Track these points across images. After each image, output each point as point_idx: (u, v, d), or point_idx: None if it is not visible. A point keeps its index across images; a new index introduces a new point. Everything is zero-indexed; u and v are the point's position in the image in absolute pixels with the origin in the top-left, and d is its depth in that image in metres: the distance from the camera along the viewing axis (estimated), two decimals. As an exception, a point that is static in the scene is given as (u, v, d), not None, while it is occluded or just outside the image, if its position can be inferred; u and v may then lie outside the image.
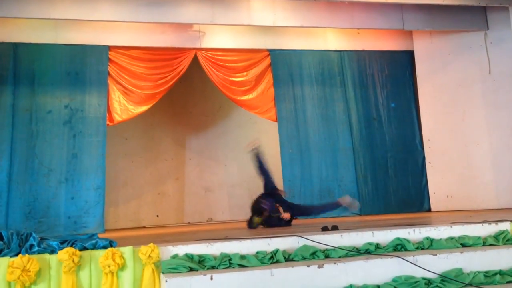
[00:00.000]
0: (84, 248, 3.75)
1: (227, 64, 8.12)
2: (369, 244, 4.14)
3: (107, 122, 7.43)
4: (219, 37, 7.97)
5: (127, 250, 3.74)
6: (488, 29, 7.79)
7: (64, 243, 3.78)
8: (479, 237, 4.31)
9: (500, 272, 3.91)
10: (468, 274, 3.86)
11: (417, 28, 7.96)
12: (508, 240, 4.31)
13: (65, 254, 3.58)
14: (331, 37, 8.51)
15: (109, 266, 3.63)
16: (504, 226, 4.46)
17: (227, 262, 3.78)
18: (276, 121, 8.15)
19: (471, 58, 7.90)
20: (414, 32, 8.37)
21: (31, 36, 7.25)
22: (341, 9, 7.52)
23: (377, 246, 4.15)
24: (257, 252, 3.95)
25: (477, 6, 7.51)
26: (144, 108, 7.68)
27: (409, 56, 8.65)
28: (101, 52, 7.50)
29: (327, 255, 4.02)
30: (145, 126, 8.98)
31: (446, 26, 7.90)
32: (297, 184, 7.94)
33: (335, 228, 4.92)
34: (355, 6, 7.47)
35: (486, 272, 3.90)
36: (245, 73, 8.17)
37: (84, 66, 7.47)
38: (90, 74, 7.47)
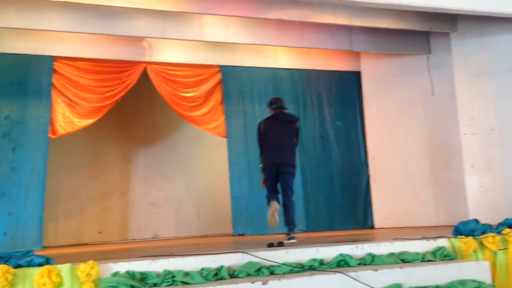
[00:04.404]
0: (18, 266, 3.58)
1: (177, 79, 8.07)
2: (314, 260, 4.17)
3: (50, 135, 7.20)
4: (170, 51, 7.92)
5: (64, 268, 3.59)
6: (430, 53, 8.17)
7: (-4, 260, 3.58)
8: (418, 253, 4.44)
9: (438, 287, 4.02)
10: (407, 289, 3.94)
11: (364, 49, 8.24)
12: (445, 256, 4.47)
13: (-3, 272, 3.39)
14: (282, 56, 8.64)
15: (44, 285, 3.48)
16: (441, 242, 4.61)
17: (170, 280, 3.69)
18: (226, 137, 8.13)
19: (414, 81, 8.24)
20: (362, 53, 8.65)
21: (-28, 44, 6.96)
22: (292, 28, 7.68)
23: (321, 262, 4.18)
24: (202, 269, 3.89)
25: (420, 31, 7.88)
26: (89, 121, 7.50)
27: (357, 76, 8.88)
28: (46, 63, 7.30)
29: (272, 271, 4.01)
30: (90, 140, 8.75)
31: (392, 49, 8.22)
32: (245, 201, 7.92)
33: (280, 244, 4.94)
34: (305, 26, 7.63)
35: (424, 287, 4.00)
36: (195, 89, 8.14)
37: (27, 77, 7.23)
38: (33, 85, 7.24)
